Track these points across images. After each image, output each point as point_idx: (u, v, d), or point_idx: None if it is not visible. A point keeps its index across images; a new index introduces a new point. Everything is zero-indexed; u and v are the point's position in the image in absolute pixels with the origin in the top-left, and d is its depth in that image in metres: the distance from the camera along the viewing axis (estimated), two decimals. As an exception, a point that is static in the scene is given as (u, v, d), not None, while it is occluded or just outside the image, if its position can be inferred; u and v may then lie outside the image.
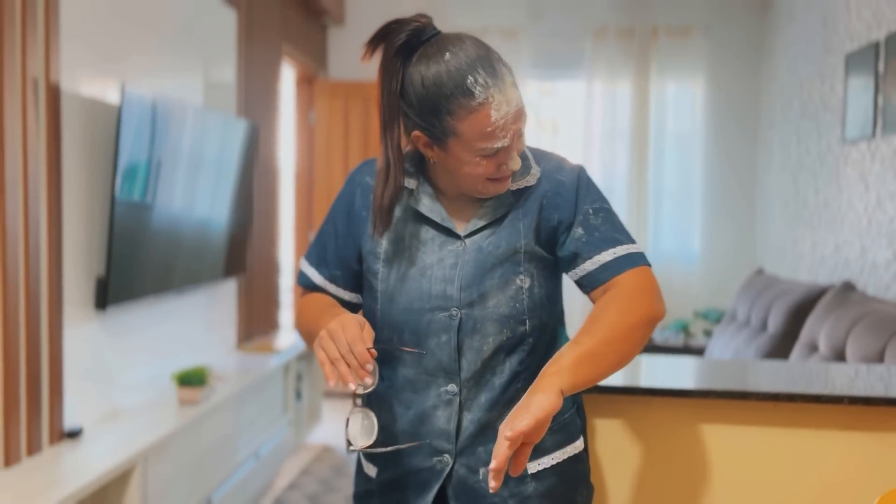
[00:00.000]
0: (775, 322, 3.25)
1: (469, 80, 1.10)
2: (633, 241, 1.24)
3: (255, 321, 4.07)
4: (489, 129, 1.11)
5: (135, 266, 2.61)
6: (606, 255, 1.21)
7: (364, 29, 5.35)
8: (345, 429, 1.13)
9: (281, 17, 4.31)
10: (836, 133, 3.76)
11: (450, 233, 1.23)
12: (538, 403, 1.03)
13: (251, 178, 3.62)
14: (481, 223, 1.23)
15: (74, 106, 2.37)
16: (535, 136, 5.34)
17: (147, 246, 2.68)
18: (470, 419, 1.22)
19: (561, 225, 1.23)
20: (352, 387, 1.08)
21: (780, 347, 3.12)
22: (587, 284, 1.23)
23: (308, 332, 1.27)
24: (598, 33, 5.04)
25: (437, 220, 1.23)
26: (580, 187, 1.25)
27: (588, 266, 1.22)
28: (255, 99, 3.97)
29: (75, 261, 2.39)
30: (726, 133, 5.08)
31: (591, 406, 1.51)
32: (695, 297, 5.01)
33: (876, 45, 3.27)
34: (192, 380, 2.78)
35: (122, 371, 2.69)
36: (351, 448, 1.18)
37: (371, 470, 1.31)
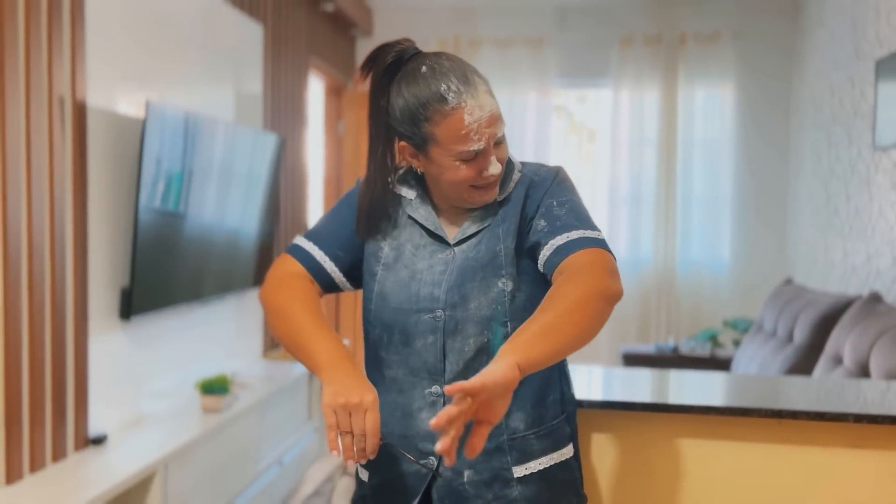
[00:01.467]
0: (801, 333, 3.20)
1: (443, 88, 1.19)
2: (593, 229, 1.25)
3: (282, 329, 4.12)
4: (463, 131, 1.19)
5: (160, 277, 2.68)
6: (560, 239, 1.22)
7: (392, 40, 5.39)
8: (330, 492, 1.14)
9: (308, 30, 4.38)
10: (867, 140, 3.69)
11: (441, 241, 1.30)
12: (490, 370, 1.00)
13: (279, 189, 3.69)
14: (469, 232, 1.29)
15: (101, 121, 2.44)
16: (564, 142, 5.33)
17: (172, 257, 2.75)
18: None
19: (527, 220, 1.28)
20: (349, 464, 1.10)
21: (806, 360, 3.07)
22: (547, 272, 1.24)
23: (289, 332, 1.24)
24: (625, 41, 5.01)
25: (431, 227, 1.30)
26: (552, 184, 1.29)
27: (546, 252, 1.23)
28: (283, 110, 4.04)
29: (100, 273, 2.46)
30: (756, 139, 5.01)
31: (591, 420, 1.52)
32: (724, 306, 4.94)
33: (906, 51, 3.21)
34: (214, 388, 2.83)
35: (147, 379, 2.76)
36: None
37: (364, 474, 1.35)
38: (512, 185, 1.31)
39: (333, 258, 1.35)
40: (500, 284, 1.25)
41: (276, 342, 4.03)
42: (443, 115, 1.19)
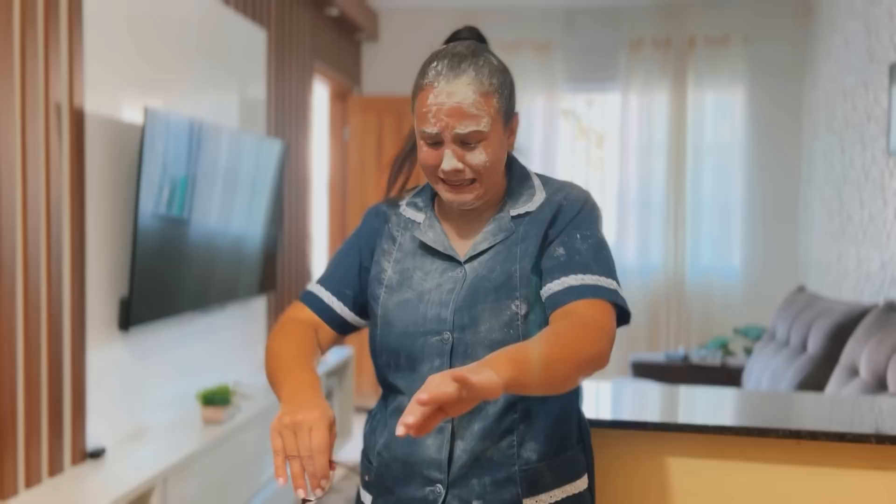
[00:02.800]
0: (815, 343, 3.12)
1: (430, 64, 1.19)
2: (610, 276, 1.19)
3: (286, 337, 4.07)
4: (423, 109, 1.18)
5: (160, 286, 2.63)
6: (574, 279, 1.18)
7: (398, 45, 5.38)
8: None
9: (312, 35, 4.34)
10: (881, 145, 3.62)
11: (452, 259, 1.25)
12: (486, 377, 0.92)
13: (283, 195, 3.64)
14: (480, 248, 1.23)
15: (100, 128, 2.40)
16: (572, 147, 5.28)
17: (173, 266, 2.70)
18: (462, 448, 1.19)
19: (552, 244, 1.22)
20: (300, 493, 1.02)
21: (820, 370, 2.99)
22: (549, 305, 1.19)
23: (271, 370, 1.22)
24: (634, 45, 4.96)
25: (440, 249, 1.25)
26: (580, 214, 1.24)
27: (555, 286, 1.18)
28: (287, 116, 4.00)
29: (99, 283, 2.42)
30: (767, 144, 4.94)
31: (600, 439, 1.46)
32: (735, 313, 4.87)
33: (921, 54, 3.14)
34: (215, 399, 2.79)
35: (147, 391, 2.71)
36: None
37: (367, 498, 1.30)
38: (534, 205, 1.25)
39: (340, 296, 1.32)
40: (513, 307, 1.19)
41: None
42: (419, 88, 1.20)
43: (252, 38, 3.51)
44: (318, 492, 1.01)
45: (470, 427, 1.19)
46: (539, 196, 1.26)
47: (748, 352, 4.38)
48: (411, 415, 0.90)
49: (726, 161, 4.94)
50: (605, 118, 5.30)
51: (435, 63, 1.19)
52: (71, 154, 2.28)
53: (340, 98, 5.11)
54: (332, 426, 1.06)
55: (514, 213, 1.24)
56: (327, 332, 1.32)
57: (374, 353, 1.27)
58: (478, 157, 1.18)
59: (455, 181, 1.20)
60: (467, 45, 1.22)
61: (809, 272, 4.64)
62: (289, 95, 4.02)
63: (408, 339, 1.21)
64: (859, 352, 2.70)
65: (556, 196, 1.25)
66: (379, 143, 5.04)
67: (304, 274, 4.36)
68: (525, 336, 1.18)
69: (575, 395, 1.27)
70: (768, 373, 3.38)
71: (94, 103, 2.38)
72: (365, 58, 5.30)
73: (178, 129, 2.64)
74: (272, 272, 3.61)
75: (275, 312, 3.90)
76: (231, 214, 3.13)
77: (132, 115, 2.57)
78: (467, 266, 1.23)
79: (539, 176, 1.31)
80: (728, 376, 3.95)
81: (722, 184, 4.95)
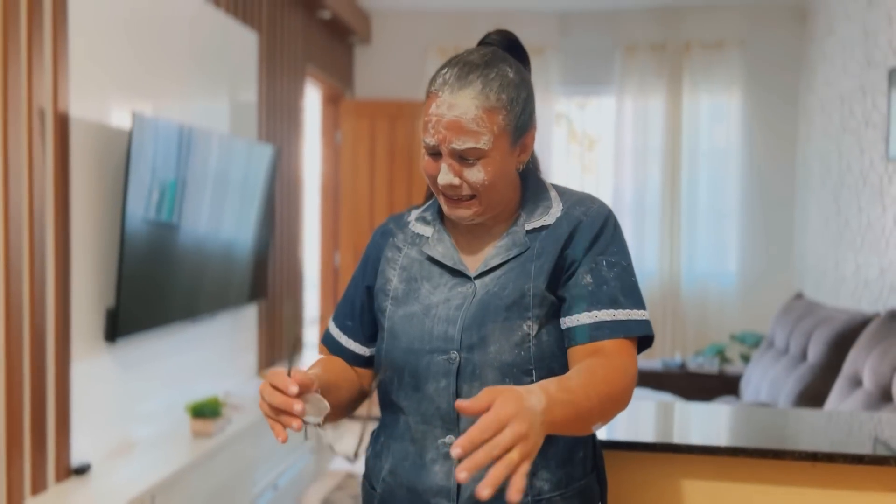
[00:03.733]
0: (816, 352, 3.08)
1: (441, 71, 1.14)
2: (638, 306, 1.15)
3: (278, 346, 4.01)
4: (425, 118, 1.14)
5: (148, 296, 2.56)
6: (605, 314, 1.12)
7: (391, 48, 5.32)
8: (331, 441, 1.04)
9: (304, 38, 4.28)
10: (880, 150, 3.58)
11: (462, 274, 1.19)
12: (536, 435, 0.88)
13: (274, 201, 3.57)
14: (493, 263, 1.17)
15: (85, 134, 2.33)
16: (567, 151, 5.23)
17: (162, 275, 2.63)
18: (472, 476, 1.12)
19: (570, 264, 1.16)
20: (280, 437, 1.01)
21: (821, 380, 2.95)
22: (574, 337, 1.13)
23: None
24: (629, 49, 4.91)
25: (450, 264, 1.20)
26: (602, 232, 1.17)
27: (584, 318, 1.13)
28: (278, 120, 3.93)
29: (84, 293, 2.34)
30: (763, 149, 4.91)
31: (609, 462, 1.40)
32: (731, 320, 4.83)
33: (922, 59, 3.10)
34: (205, 411, 2.71)
35: (134, 404, 2.63)
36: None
37: None
38: (551, 218, 1.19)
39: (344, 330, 1.28)
40: (525, 328, 1.13)
41: (271, 360, 3.90)
42: (427, 94, 1.15)
43: (243, 41, 3.44)
44: (312, 417, 1.01)
45: (478, 454, 1.13)
46: (556, 209, 1.20)
47: (745, 359, 4.34)
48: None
49: (722, 166, 4.90)
50: (598, 122, 5.26)
51: (445, 70, 1.13)
52: (55, 160, 2.20)
53: (332, 102, 5.04)
54: (298, 375, 1.02)
55: (529, 227, 1.18)
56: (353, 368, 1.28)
57: (378, 366, 1.22)
58: (475, 174, 1.12)
59: (453, 195, 1.14)
60: (484, 53, 1.16)
61: (806, 278, 4.61)
62: (280, 99, 3.95)
63: (412, 356, 1.16)
64: (862, 362, 2.65)
65: (574, 210, 1.19)
66: (371, 148, 4.97)
67: (296, 281, 4.29)
68: (536, 358, 1.13)
69: None
70: (768, 381, 3.33)
71: (80, 108, 2.30)
72: (357, 61, 5.24)
73: (166, 134, 2.57)
74: (263, 279, 3.53)
75: (266, 320, 3.82)
76: (221, 221, 3.05)
77: (120, 119, 2.49)
78: (477, 282, 1.17)
79: (556, 187, 1.25)
80: (726, 384, 3.91)
81: (718, 189, 4.91)
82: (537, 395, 0.92)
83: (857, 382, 2.68)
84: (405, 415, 1.18)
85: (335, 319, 1.31)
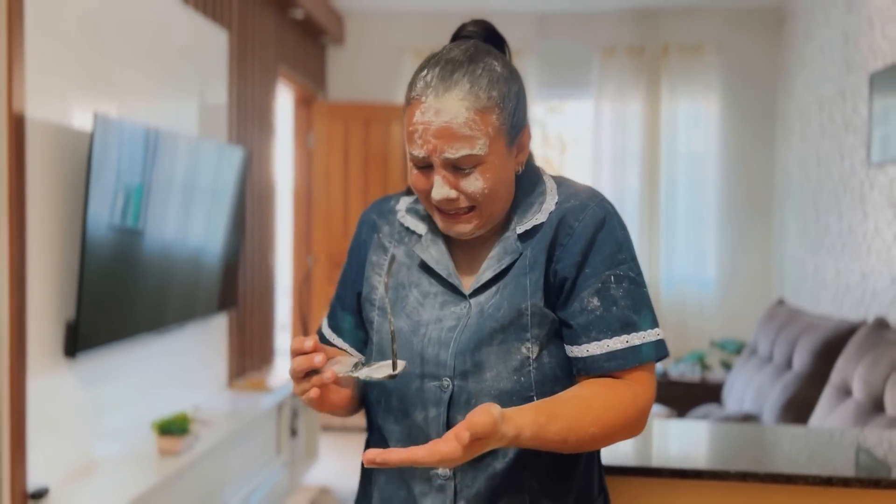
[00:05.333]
0: (802, 360, 3.03)
1: (420, 73, 1.03)
2: (652, 324, 1.04)
3: (249, 355, 3.87)
4: (410, 128, 1.02)
5: (111, 307, 2.42)
6: (617, 343, 1.02)
7: (364, 49, 5.21)
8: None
9: (276, 37, 4.15)
10: (861, 155, 3.56)
11: (455, 290, 1.06)
12: (499, 436, 0.90)
13: (245, 205, 3.44)
14: (485, 278, 1.05)
15: (43, 136, 2.19)
16: (543, 154, 5.16)
17: (125, 285, 2.49)
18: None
19: (567, 281, 1.03)
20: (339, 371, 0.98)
21: (808, 389, 2.90)
22: (584, 369, 1.03)
23: None
24: (607, 52, 4.86)
25: (443, 274, 1.06)
26: (600, 237, 1.03)
27: (594, 349, 1.02)
28: (249, 122, 3.80)
29: (42, 306, 2.20)
30: (741, 153, 4.88)
31: (611, 488, 1.30)
32: (710, 326, 4.79)
33: (904, 64, 3.08)
34: (172, 428, 2.57)
35: (97, 422, 2.49)
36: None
37: None
38: (544, 214, 1.06)
39: (337, 332, 1.17)
40: (523, 350, 1.02)
41: (242, 370, 3.77)
42: (407, 101, 1.03)
43: (213, 40, 3.31)
44: (341, 369, 0.98)
45: (475, 486, 1.03)
46: (549, 203, 1.06)
47: (726, 365, 4.30)
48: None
49: (700, 170, 4.87)
50: (571, 125, 5.20)
51: (425, 72, 1.01)
52: (9, 163, 2.06)
53: (305, 104, 4.91)
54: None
55: (521, 229, 1.05)
56: None
57: (366, 384, 1.11)
58: (473, 183, 1.00)
59: (449, 210, 1.02)
60: (466, 47, 1.03)
61: (785, 284, 4.58)
62: (251, 100, 3.82)
63: (402, 379, 1.05)
64: (851, 371, 2.61)
65: (565, 205, 1.06)
66: (345, 151, 4.86)
67: (268, 288, 4.15)
68: (538, 383, 1.02)
69: (596, 451, 1.12)
70: (752, 389, 3.28)
71: (38, 109, 2.16)
72: (330, 62, 5.12)
73: (131, 137, 2.43)
74: (233, 287, 3.40)
75: (237, 330, 3.68)
76: (189, 227, 2.92)
77: (81, 121, 2.35)
78: (472, 300, 1.05)
79: (554, 178, 1.11)
80: (708, 392, 3.86)
81: (696, 193, 4.88)
82: (507, 434, 0.91)
83: (846, 392, 2.63)
84: (391, 441, 1.07)
85: (329, 320, 1.19)
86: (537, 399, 1.02)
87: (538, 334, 1.02)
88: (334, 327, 1.17)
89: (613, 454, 1.40)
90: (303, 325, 4.60)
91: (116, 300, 2.45)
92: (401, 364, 0.95)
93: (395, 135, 4.83)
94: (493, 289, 1.05)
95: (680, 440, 1.59)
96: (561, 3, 4.79)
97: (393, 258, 0.99)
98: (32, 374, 2.16)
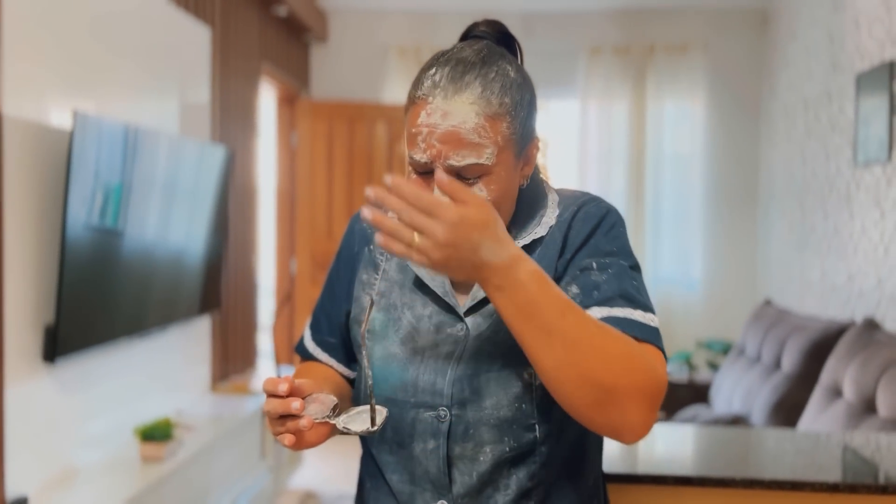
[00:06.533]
0: (791, 361, 3.03)
1: (428, 71, 0.95)
2: (644, 309, 0.95)
3: (232, 359, 3.80)
4: (413, 129, 0.94)
5: (91, 311, 2.35)
6: (598, 311, 0.93)
7: (348, 47, 5.15)
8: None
9: (259, 34, 4.09)
10: (847, 156, 3.57)
11: (451, 310, 1.00)
12: (495, 233, 0.83)
13: (227, 205, 3.38)
14: (481, 295, 0.98)
15: (20, 134, 2.12)
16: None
17: (106, 288, 2.43)
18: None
19: (559, 278, 0.97)
20: (305, 422, 0.90)
21: (798, 389, 2.89)
22: None
23: None
24: (593, 51, 4.85)
25: (438, 291, 1.00)
26: (594, 233, 0.98)
27: (593, 313, 0.93)
28: (232, 120, 3.73)
29: (20, 309, 2.13)
30: (727, 153, 4.89)
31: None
32: (697, 326, 4.79)
33: (891, 65, 3.08)
34: (155, 434, 2.51)
35: (77, 428, 2.42)
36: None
37: None
38: (544, 228, 1.00)
39: (324, 346, 1.10)
40: (525, 376, 0.96)
41: (225, 373, 3.70)
42: (411, 101, 0.96)
43: (195, 37, 3.24)
44: (318, 414, 0.92)
45: None
46: (551, 215, 1.01)
47: (712, 366, 4.30)
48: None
49: (686, 170, 4.87)
50: (559, 127, 5.18)
51: (433, 70, 0.94)
52: (-14, 163, 1.99)
53: (288, 102, 4.85)
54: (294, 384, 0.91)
55: (520, 244, 0.98)
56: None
57: (353, 401, 1.07)
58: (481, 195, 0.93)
59: None
60: (479, 48, 0.97)
61: (771, 283, 4.59)
62: (234, 98, 3.76)
63: (395, 409, 0.98)
64: (842, 372, 2.60)
65: (565, 213, 1.00)
66: (329, 150, 4.80)
67: (251, 289, 4.09)
68: (540, 411, 0.96)
69: (599, 456, 1.08)
70: (741, 390, 3.27)
71: (15, 106, 2.09)
72: (313, 60, 5.05)
73: (111, 135, 2.36)
74: (216, 288, 3.34)
75: (220, 332, 3.62)
76: (170, 227, 2.85)
77: (60, 118, 2.29)
78: (469, 320, 0.99)
79: (557, 190, 1.06)
80: (695, 392, 3.85)
81: (682, 193, 4.88)
82: (503, 253, 0.83)
83: (836, 393, 2.63)
84: (387, 472, 1.02)
85: (313, 333, 1.13)
86: (540, 429, 0.96)
87: None
88: (319, 341, 1.11)
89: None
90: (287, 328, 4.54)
91: (97, 303, 2.38)
92: (381, 415, 0.89)
93: (380, 134, 4.78)
94: (491, 308, 0.98)
95: (668, 445, 1.57)
96: (547, 2, 4.77)
97: (372, 303, 0.94)
98: (10, 379, 2.09)
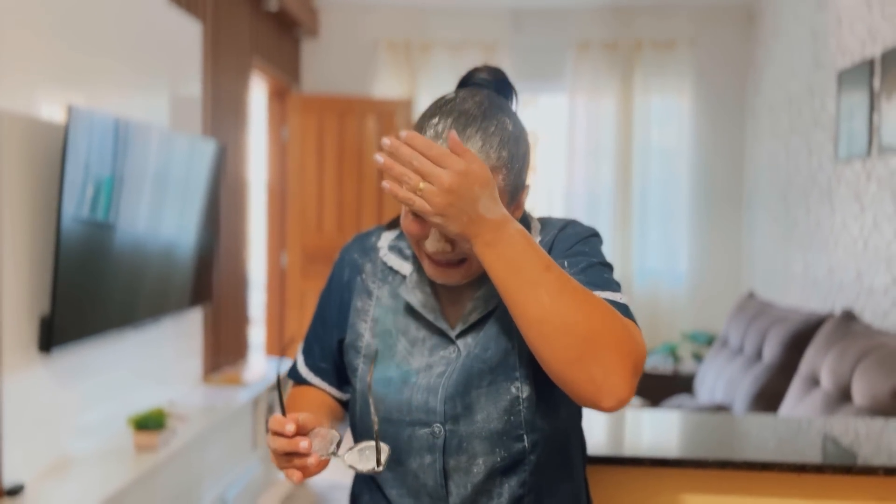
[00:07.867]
0: (771, 351, 3.10)
1: (431, 119, 1.00)
2: (614, 290, 0.99)
3: (224, 351, 3.84)
4: None
5: (86, 302, 2.39)
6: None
7: (338, 41, 5.18)
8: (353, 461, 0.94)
9: (250, 28, 4.12)
10: (829, 151, 3.64)
11: (443, 334, 1.05)
12: (452, 211, 0.88)
13: (218, 199, 3.41)
14: (472, 319, 1.04)
15: (14, 128, 2.15)
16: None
17: (100, 280, 2.46)
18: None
19: None
20: (295, 476, 0.93)
21: (778, 379, 2.96)
22: None
23: None
24: (581, 47, 4.90)
25: (430, 318, 1.05)
26: (572, 248, 1.04)
27: None
28: (223, 114, 3.76)
29: (15, 301, 2.17)
30: (713, 148, 4.96)
31: (592, 478, 1.33)
32: (682, 318, 4.86)
33: (871, 62, 3.15)
34: (149, 423, 2.56)
35: (72, 418, 2.46)
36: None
37: None
38: None
39: (317, 372, 1.15)
40: (513, 390, 1.01)
41: (217, 364, 3.74)
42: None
43: (186, 32, 3.27)
44: (323, 451, 0.94)
45: None
46: (534, 238, 1.07)
47: (697, 357, 4.37)
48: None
49: (672, 165, 4.93)
50: (544, 120, 5.22)
51: (436, 119, 0.98)
52: (-18, 156, 2.03)
53: (279, 96, 4.88)
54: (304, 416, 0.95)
55: None
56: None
57: (354, 432, 1.10)
58: (464, 246, 0.97)
59: (441, 260, 1.01)
60: (480, 100, 1.00)
61: (755, 276, 4.67)
62: (225, 93, 3.79)
63: (392, 428, 1.04)
64: (820, 362, 2.67)
65: (547, 237, 1.06)
66: (320, 145, 4.83)
67: (241, 282, 4.13)
68: (528, 422, 1.01)
69: (583, 462, 1.13)
70: (723, 380, 3.34)
71: (7, 100, 2.13)
72: (304, 55, 5.08)
73: (102, 128, 2.40)
74: (207, 281, 3.37)
75: (211, 324, 3.66)
76: (162, 220, 2.89)
77: (52, 112, 2.32)
78: (460, 342, 1.04)
79: (540, 219, 1.11)
80: (680, 383, 3.92)
81: (668, 188, 4.94)
82: (497, 210, 0.89)
83: (814, 382, 2.70)
84: (385, 488, 1.07)
85: (306, 359, 1.17)
86: (528, 438, 1.01)
87: (527, 373, 1.01)
88: (312, 366, 1.16)
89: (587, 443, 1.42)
90: (280, 335, 4.57)
91: (91, 294, 2.42)
92: (384, 453, 0.91)
93: (370, 128, 4.82)
94: (480, 331, 1.04)
95: (653, 429, 1.62)
96: (535, -3, 4.81)
97: (376, 354, 0.99)
98: (7, 369, 2.13)
